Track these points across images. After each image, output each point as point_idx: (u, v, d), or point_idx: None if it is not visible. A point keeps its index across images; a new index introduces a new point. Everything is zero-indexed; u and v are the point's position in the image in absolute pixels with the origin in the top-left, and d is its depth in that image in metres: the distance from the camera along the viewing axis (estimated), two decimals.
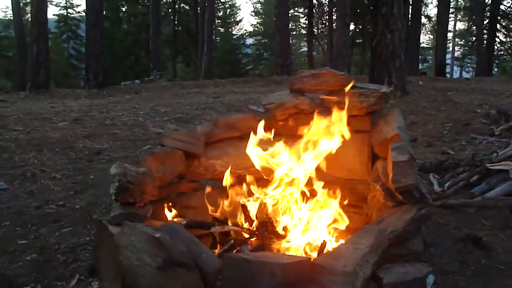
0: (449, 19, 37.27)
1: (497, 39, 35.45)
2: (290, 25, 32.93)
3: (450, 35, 44.44)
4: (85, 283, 3.41)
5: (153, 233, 2.75)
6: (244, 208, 3.52)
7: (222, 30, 51.59)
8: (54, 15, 45.09)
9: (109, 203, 4.84)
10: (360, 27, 38.93)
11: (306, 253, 3.29)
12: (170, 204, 3.73)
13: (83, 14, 33.01)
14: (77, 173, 6.26)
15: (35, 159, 6.83)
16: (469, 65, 49.02)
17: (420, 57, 36.52)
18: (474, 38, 37.19)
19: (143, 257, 2.71)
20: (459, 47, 51.43)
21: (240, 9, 55.64)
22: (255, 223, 3.47)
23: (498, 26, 34.68)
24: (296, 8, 42.27)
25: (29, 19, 24.40)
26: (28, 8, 35.51)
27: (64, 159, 6.94)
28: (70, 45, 46.13)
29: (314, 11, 37.17)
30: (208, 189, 3.77)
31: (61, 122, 9.71)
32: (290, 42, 31.55)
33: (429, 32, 48.12)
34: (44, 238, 4.24)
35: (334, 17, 29.95)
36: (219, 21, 50.24)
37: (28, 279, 3.50)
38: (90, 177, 6.08)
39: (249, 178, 3.80)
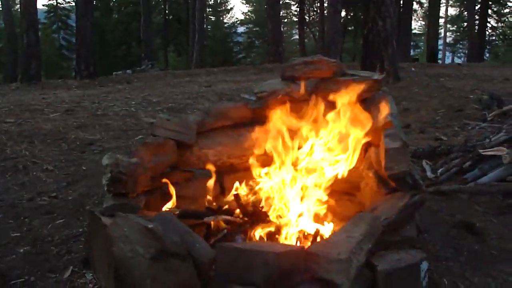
0: (441, 5, 37.23)
1: (488, 24, 35.52)
2: (281, 12, 32.83)
3: (441, 21, 44.40)
4: (78, 275, 3.41)
5: (146, 224, 2.74)
6: (237, 197, 3.51)
7: (213, 18, 51.39)
8: (43, 5, 44.72)
9: (101, 194, 4.82)
10: (352, 14, 38.87)
11: (299, 241, 3.29)
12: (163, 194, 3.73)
13: (73, 4, 32.87)
14: (69, 165, 6.23)
15: (26, 151, 6.80)
16: (461, 50, 49.09)
17: (412, 43, 36.54)
18: (465, 23, 37.25)
19: (136, 248, 2.70)
20: (451, 33, 51.44)
21: None
22: (249, 212, 3.47)
23: (489, 11, 34.75)
24: None
25: (19, 9, 24.20)
26: None
27: (56, 151, 6.91)
28: (60, 35, 45.72)
29: None
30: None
31: (53, 113, 9.65)
32: (282, 29, 31.49)
33: (420, 18, 48.12)
34: (37, 230, 4.22)
35: (325, 4, 29.90)
36: (210, 9, 49.97)
37: (21, 271, 3.49)
38: (83, 168, 6.05)
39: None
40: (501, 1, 36.28)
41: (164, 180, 3.61)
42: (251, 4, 54.49)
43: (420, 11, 43.28)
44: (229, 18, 54.33)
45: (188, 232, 2.90)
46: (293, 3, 44.81)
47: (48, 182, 5.58)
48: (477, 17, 32.46)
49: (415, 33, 45.10)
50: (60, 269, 3.51)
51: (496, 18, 37.04)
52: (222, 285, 2.66)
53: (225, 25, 51.90)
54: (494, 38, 39.76)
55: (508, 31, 39.14)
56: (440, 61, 37.77)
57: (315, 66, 4.12)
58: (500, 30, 37.91)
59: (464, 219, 4.07)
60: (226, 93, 12.71)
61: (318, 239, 3.14)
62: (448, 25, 51.27)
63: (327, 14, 24.64)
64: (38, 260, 3.67)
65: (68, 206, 4.81)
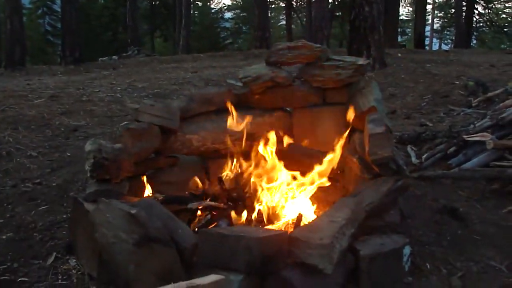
0: None
1: (475, 11, 35.58)
2: None
3: (429, 7, 44.41)
4: (62, 261, 3.40)
5: (128, 210, 2.73)
6: (220, 181, 3.51)
7: (200, 4, 51.07)
8: None
9: (85, 180, 4.79)
10: None
11: (282, 226, 3.30)
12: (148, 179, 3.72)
13: None
14: (54, 151, 6.18)
15: (10, 137, 6.72)
16: (448, 37, 49.19)
17: (399, 29, 36.52)
18: (453, 10, 37.28)
19: (119, 234, 2.69)
20: (438, 19, 51.48)
21: None
22: (232, 197, 3.48)
23: None
24: None
25: None
26: None
27: (40, 137, 6.84)
28: (45, 20, 45.14)
29: None
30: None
31: (37, 99, 9.54)
32: (269, 15, 31.37)
33: (408, 4, 48.10)
34: (20, 217, 4.19)
35: None
36: None
37: (5, 258, 3.48)
38: (67, 155, 6.00)
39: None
40: None
41: None
42: None
43: None
44: (216, 3, 54.09)
45: (171, 218, 2.90)
46: None
47: (32, 169, 5.53)
48: (464, 3, 32.51)
49: (402, 19, 45.08)
50: (44, 255, 3.50)
51: (484, 4, 37.04)
52: (205, 270, 2.66)
53: (212, 11, 51.61)
54: (481, 24, 39.78)
55: (495, 18, 39.22)
56: (427, 48, 37.80)
57: (299, 51, 4.12)
58: (487, 17, 37.92)
59: (448, 204, 4.10)
60: (212, 78, 12.64)
61: (301, 224, 3.15)
62: (436, 12, 51.32)
63: (314, 0, 24.58)
64: (21, 246, 3.66)
65: (52, 192, 4.77)
